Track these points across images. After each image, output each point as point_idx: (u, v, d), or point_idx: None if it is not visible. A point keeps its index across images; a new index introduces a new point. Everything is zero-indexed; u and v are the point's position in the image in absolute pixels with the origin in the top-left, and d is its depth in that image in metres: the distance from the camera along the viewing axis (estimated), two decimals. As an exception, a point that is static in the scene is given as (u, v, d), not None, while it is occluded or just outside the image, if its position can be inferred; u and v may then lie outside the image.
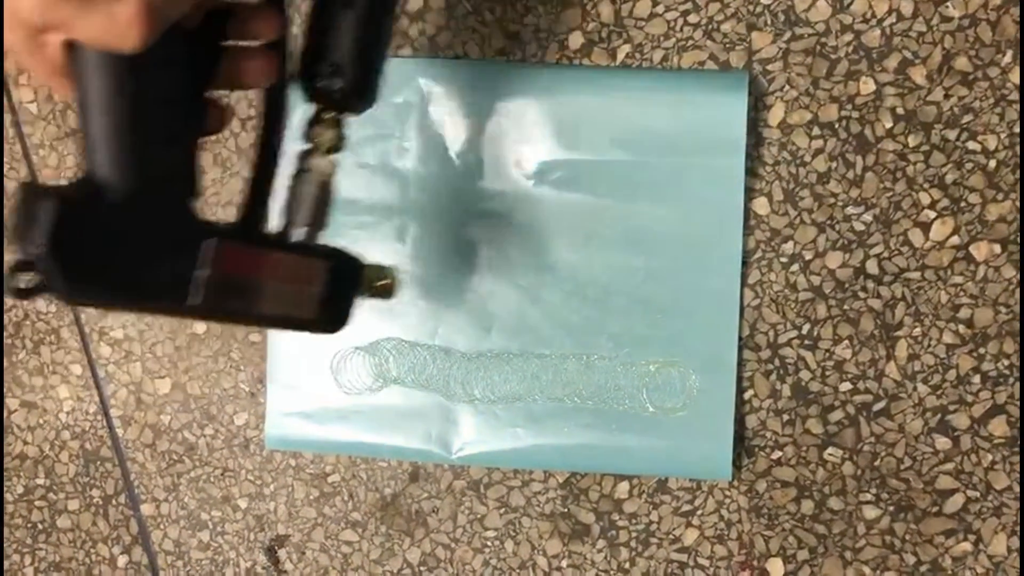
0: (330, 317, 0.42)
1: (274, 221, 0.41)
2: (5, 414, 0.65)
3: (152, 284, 0.35)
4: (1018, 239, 0.53)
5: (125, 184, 0.34)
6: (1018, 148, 0.52)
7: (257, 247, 0.39)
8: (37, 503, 0.66)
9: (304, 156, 0.42)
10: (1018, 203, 0.52)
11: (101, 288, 0.34)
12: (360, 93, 0.42)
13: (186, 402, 0.62)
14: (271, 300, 0.39)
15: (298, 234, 0.41)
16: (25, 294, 0.33)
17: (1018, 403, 0.53)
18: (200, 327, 0.61)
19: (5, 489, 0.66)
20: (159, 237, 0.35)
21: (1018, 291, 0.53)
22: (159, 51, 0.33)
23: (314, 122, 0.42)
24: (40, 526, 0.66)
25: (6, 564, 0.66)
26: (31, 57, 0.32)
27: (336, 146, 0.42)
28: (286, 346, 0.59)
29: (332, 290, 0.42)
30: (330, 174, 0.42)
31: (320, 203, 0.42)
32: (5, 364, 0.65)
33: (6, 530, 0.66)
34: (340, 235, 0.57)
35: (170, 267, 0.36)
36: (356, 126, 0.56)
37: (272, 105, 0.39)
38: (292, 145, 0.41)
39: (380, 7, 0.41)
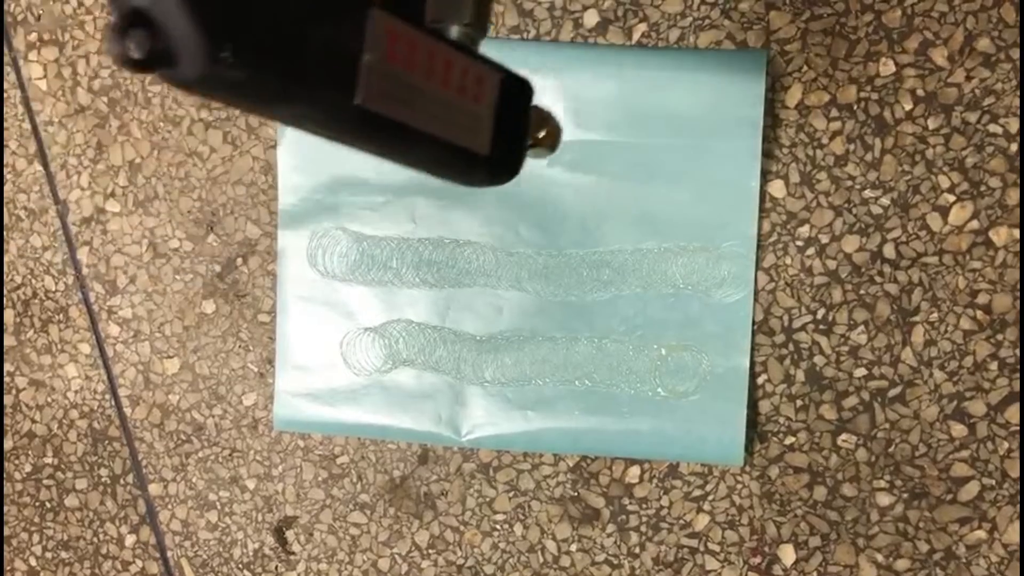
0: (501, 155, 0.33)
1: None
2: (14, 393, 0.65)
3: (313, 60, 0.26)
4: (1038, 224, 0.52)
5: None
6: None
7: (424, 33, 0.30)
8: (45, 482, 0.65)
9: None
10: (1039, 187, 0.52)
11: (249, 54, 0.24)
12: None
13: (194, 382, 0.62)
14: (437, 114, 0.30)
15: (456, 34, 0.33)
16: (141, 65, 0.23)
17: (1035, 390, 0.53)
18: (209, 307, 0.61)
19: (14, 468, 0.66)
20: None
21: (1037, 277, 0.52)
22: None
23: None
24: (48, 505, 0.66)
25: (15, 542, 0.66)
26: None
27: None
28: (295, 326, 0.59)
29: (504, 114, 0.33)
30: None
31: None
32: (14, 343, 0.64)
33: (14, 508, 0.66)
34: (348, 216, 0.57)
35: (333, 38, 0.26)
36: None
37: None
38: None
39: None
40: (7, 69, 0.62)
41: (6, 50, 0.62)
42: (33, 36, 0.61)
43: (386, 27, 0.27)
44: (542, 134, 0.35)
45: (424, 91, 0.29)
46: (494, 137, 0.33)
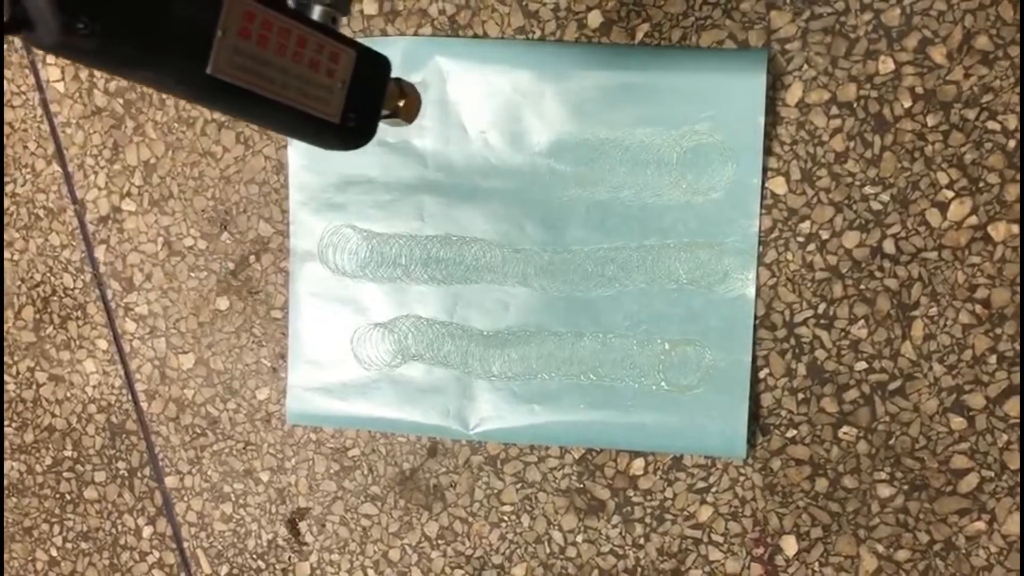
0: (355, 125, 0.36)
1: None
2: (35, 388, 0.67)
3: (167, 34, 0.28)
4: (1037, 219, 0.53)
5: None
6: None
7: (279, 12, 0.33)
8: (65, 474, 0.67)
9: None
10: (1038, 183, 0.52)
11: (102, 27, 0.26)
12: None
13: (209, 377, 0.63)
14: (289, 84, 0.33)
15: (318, 14, 0.36)
16: (2, 29, 0.25)
17: (1034, 383, 0.53)
18: (223, 303, 0.62)
19: (35, 461, 0.68)
20: None
21: (1036, 271, 0.53)
22: None
23: None
24: (68, 497, 0.67)
25: (36, 533, 0.68)
26: None
27: None
28: (307, 322, 0.60)
29: (357, 88, 0.36)
30: None
31: None
32: (34, 339, 0.66)
33: (35, 500, 0.68)
34: (358, 214, 0.59)
35: (189, 15, 0.29)
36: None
37: None
38: None
39: None
40: (26, 72, 0.63)
41: (25, 53, 0.63)
42: (51, 40, 0.63)
43: (241, 7, 0.30)
44: (401, 104, 0.38)
45: (276, 64, 0.33)
46: (346, 107, 0.36)
